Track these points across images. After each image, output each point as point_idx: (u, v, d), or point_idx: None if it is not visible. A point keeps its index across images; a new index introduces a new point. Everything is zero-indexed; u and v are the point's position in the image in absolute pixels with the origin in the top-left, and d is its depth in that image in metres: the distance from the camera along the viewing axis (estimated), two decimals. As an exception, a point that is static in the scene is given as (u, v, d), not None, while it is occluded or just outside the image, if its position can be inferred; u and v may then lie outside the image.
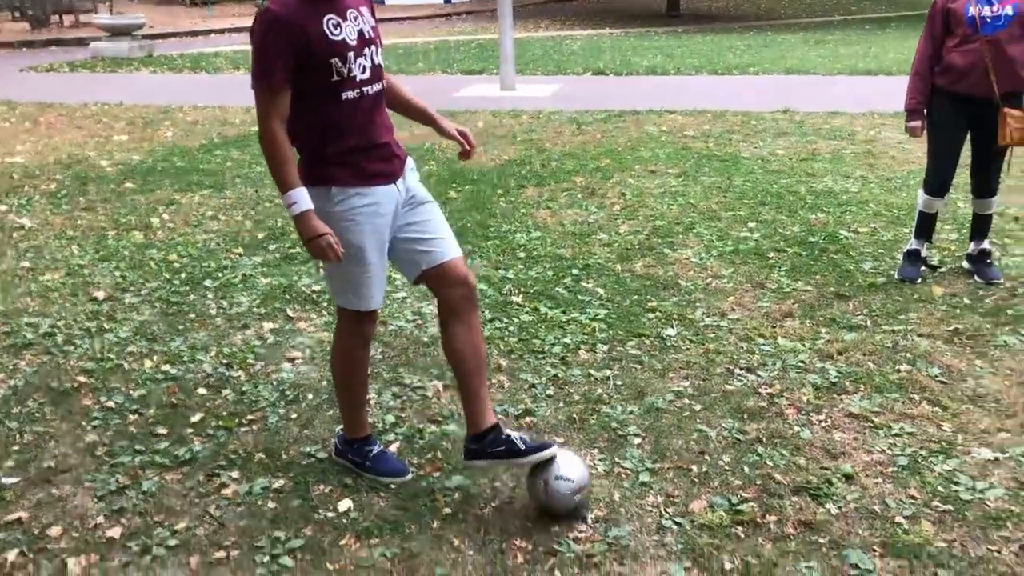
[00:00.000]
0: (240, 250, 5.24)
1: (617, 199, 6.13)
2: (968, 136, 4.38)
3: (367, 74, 2.60)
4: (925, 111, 4.39)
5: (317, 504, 2.78)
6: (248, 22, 21.02)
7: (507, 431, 2.74)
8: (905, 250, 4.66)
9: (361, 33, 2.59)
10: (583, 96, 10.55)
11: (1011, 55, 4.12)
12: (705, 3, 28.47)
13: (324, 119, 2.56)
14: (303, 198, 2.49)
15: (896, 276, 4.56)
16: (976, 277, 4.54)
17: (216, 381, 3.62)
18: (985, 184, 4.44)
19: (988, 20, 4.10)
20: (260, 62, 2.48)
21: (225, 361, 3.79)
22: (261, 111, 2.51)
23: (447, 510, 2.75)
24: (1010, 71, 4.14)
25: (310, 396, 3.48)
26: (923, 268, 4.62)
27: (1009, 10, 4.09)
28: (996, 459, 2.99)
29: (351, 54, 2.54)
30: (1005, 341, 3.84)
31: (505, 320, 4.18)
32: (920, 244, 4.60)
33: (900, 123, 7.77)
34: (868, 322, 4.07)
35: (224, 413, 3.35)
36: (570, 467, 2.67)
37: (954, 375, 3.56)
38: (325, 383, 3.57)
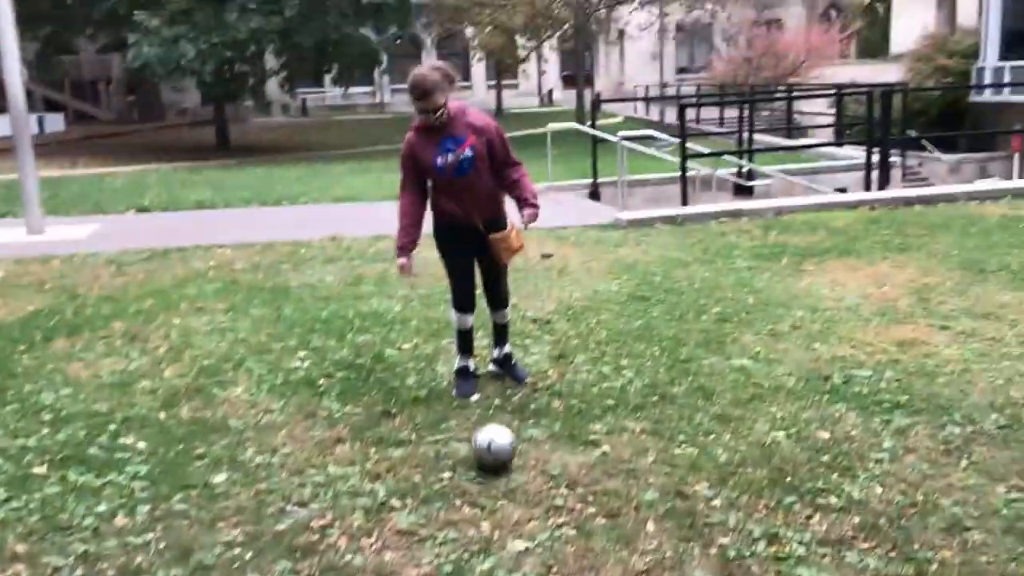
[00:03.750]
0: None
1: (162, 341, 5.80)
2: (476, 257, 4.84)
3: None
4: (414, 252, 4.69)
5: None
6: None
7: None
8: (455, 369, 4.95)
9: None
10: (125, 235, 9.96)
11: (482, 191, 4.64)
12: (256, 137, 28.92)
13: None
14: None
15: (454, 394, 4.79)
16: (506, 378, 5.00)
17: None
18: (496, 297, 4.94)
19: (455, 166, 4.59)
20: None
21: None
22: None
23: None
24: (484, 204, 4.67)
25: None
26: (476, 380, 4.91)
27: (468, 152, 4.60)
28: (527, 548, 3.24)
29: None
30: (531, 435, 4.24)
31: (25, 497, 3.67)
32: (466, 360, 4.93)
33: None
34: (413, 436, 4.25)
35: None
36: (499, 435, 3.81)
37: (489, 475, 3.83)
38: None
